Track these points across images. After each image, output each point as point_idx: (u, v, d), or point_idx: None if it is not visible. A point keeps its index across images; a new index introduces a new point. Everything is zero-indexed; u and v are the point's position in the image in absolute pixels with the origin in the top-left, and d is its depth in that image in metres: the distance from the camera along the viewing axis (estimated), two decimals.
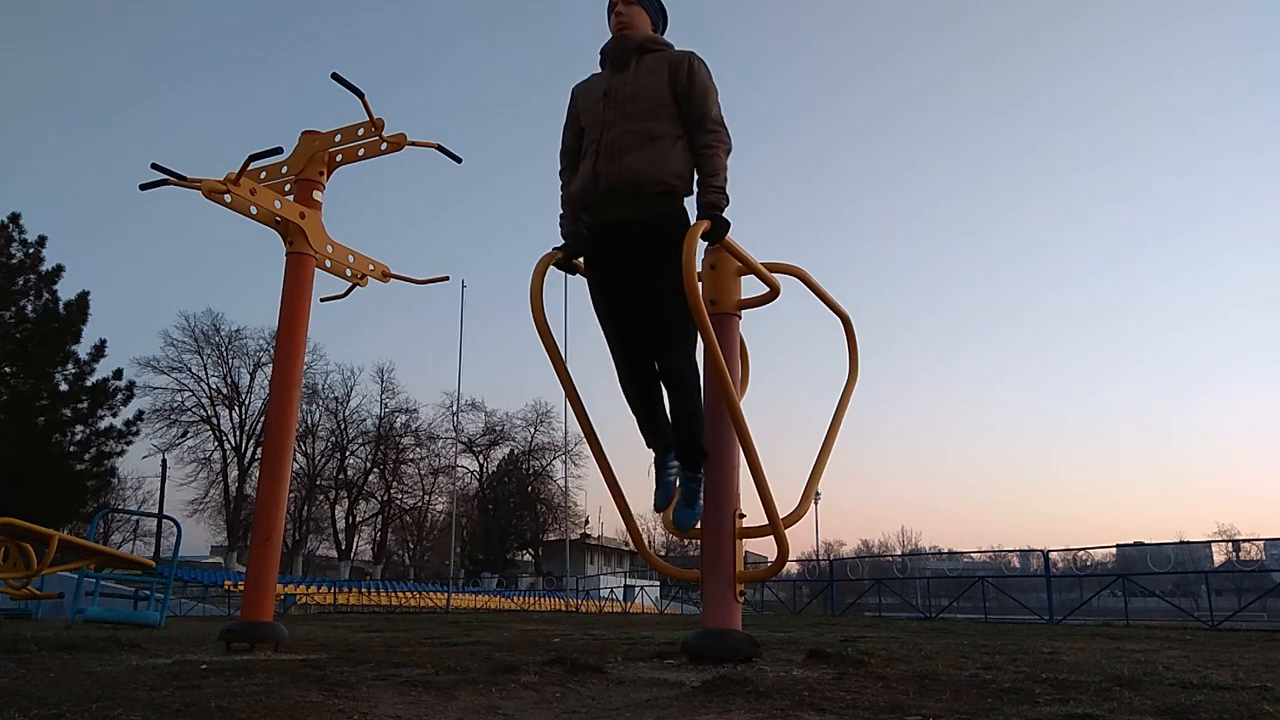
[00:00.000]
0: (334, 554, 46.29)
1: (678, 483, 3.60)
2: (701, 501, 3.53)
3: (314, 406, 43.34)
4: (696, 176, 3.42)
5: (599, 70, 3.65)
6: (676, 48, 3.54)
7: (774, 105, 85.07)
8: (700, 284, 3.68)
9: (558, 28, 78.63)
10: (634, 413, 3.59)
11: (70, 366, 19.70)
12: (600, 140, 3.39)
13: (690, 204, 3.47)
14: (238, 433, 42.03)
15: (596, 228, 3.47)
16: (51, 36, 62.38)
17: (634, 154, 3.30)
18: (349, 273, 5.62)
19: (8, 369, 19.01)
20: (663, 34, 3.63)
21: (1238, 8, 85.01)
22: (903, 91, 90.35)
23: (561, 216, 3.63)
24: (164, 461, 35.88)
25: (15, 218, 19.68)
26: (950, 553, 49.75)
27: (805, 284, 4.30)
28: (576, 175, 3.52)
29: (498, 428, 49.97)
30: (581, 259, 3.62)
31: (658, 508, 3.65)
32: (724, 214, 3.32)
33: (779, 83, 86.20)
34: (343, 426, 45.35)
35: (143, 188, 4.78)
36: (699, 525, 3.61)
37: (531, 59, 77.05)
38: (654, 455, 3.62)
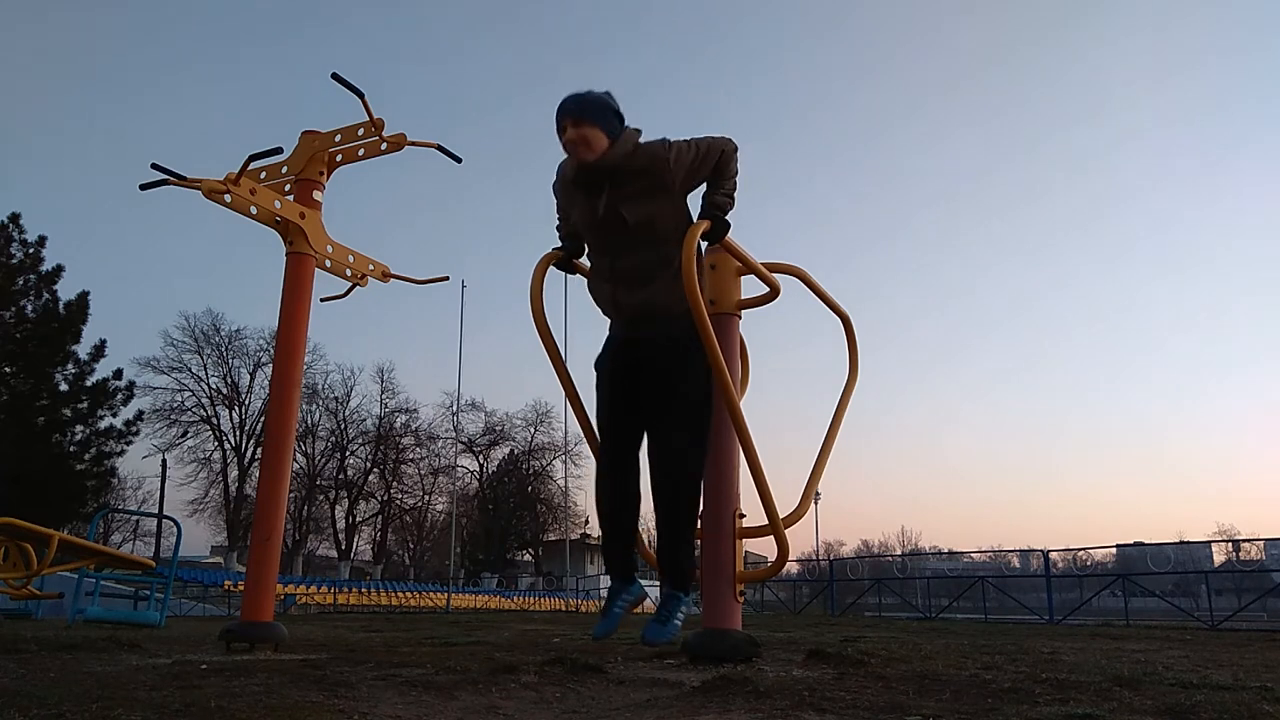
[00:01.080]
0: (334, 554, 46.31)
1: (627, 615, 3.32)
2: (678, 620, 3.18)
3: (314, 406, 43.40)
4: (706, 185, 3.34)
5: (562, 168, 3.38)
6: (634, 129, 3.21)
7: (774, 105, 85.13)
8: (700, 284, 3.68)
9: (558, 27, 78.69)
10: (604, 521, 3.30)
11: (70, 366, 19.71)
12: (612, 267, 3.24)
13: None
14: (238, 433, 42.10)
15: (618, 338, 3.36)
16: (51, 36, 62.44)
17: (654, 284, 3.19)
18: (349, 273, 5.63)
19: (8, 369, 19.01)
20: (621, 122, 3.23)
21: (1236, 7, 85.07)
22: (903, 90, 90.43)
23: (559, 222, 3.62)
24: (164, 461, 35.94)
25: (15, 218, 19.70)
26: (950, 553, 49.77)
27: (805, 284, 4.30)
28: (593, 295, 3.39)
29: (498, 428, 50.05)
30: (577, 259, 3.59)
31: (596, 636, 3.35)
32: (726, 216, 3.31)
33: (778, 82, 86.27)
34: (343, 426, 45.40)
35: (143, 188, 4.78)
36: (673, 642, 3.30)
37: (531, 59, 77.12)
38: (610, 582, 3.32)
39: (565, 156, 3.29)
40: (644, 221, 3.14)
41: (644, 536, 4.00)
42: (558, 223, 3.62)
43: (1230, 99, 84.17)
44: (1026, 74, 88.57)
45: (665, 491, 3.16)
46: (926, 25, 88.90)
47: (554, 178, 3.47)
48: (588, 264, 3.49)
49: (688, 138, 3.23)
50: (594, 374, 3.40)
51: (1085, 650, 4.73)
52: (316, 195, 5.17)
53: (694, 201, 3.43)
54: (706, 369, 3.19)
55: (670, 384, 3.20)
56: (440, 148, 5.37)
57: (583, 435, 3.67)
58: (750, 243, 3.86)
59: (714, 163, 3.23)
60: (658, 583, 3.31)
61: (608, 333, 3.44)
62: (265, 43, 68.90)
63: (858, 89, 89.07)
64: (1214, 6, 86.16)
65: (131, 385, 20.93)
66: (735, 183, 3.32)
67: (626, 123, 3.22)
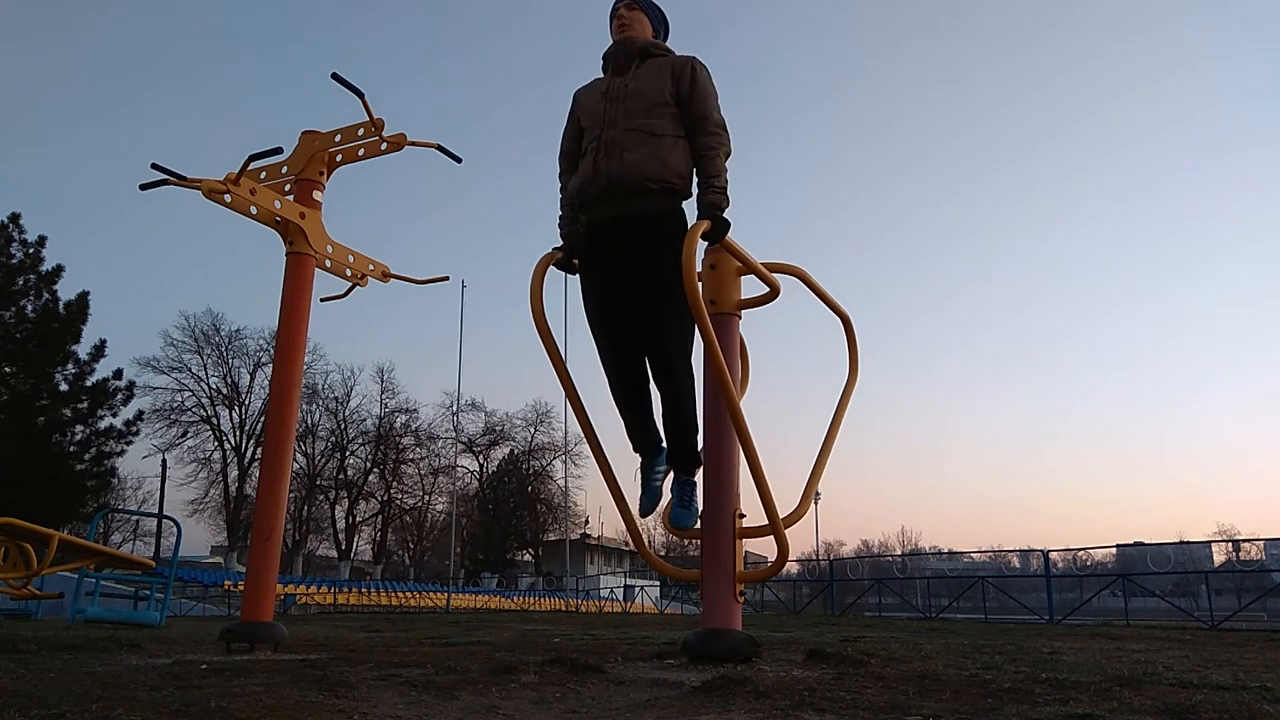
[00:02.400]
0: (334, 554, 46.29)
1: (665, 487, 3.59)
2: (699, 501, 3.51)
3: (314, 406, 43.39)
4: (697, 178, 3.42)
5: (600, 75, 3.68)
6: (678, 54, 3.57)
7: (773, 104, 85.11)
8: (700, 284, 3.68)
9: (558, 27, 78.69)
10: (622, 416, 3.56)
11: (70, 366, 19.68)
12: (601, 137, 3.40)
13: (690, 206, 3.47)
14: (238, 433, 42.08)
15: (594, 224, 3.47)
16: (51, 36, 62.42)
17: (635, 150, 3.32)
18: (349, 273, 5.63)
19: (8, 369, 18.99)
20: (665, 41, 3.67)
21: (1232, 7, 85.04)
22: (902, 90, 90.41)
23: (561, 217, 3.63)
24: (164, 461, 35.93)
25: (15, 218, 19.67)
26: (950, 553, 49.78)
27: (805, 284, 4.30)
28: (576, 174, 3.52)
29: (498, 428, 50.04)
30: (577, 259, 3.61)
31: (643, 513, 3.62)
32: (724, 214, 3.33)
33: (778, 82, 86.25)
34: (343, 426, 45.39)
35: (143, 188, 4.78)
36: (698, 524, 3.60)
37: (531, 58, 77.14)
38: (640, 459, 3.59)
39: (581, 85, 3.66)
40: (644, 91, 3.41)
41: (644, 537, 4.01)
42: (560, 220, 3.63)
43: (1225, 98, 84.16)
44: (1025, 73, 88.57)
45: (664, 382, 3.38)
46: (926, 23, 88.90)
47: (576, 93, 3.70)
48: (572, 181, 3.59)
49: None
50: (585, 317, 3.55)
51: (1085, 650, 4.72)
52: (316, 195, 5.17)
53: (691, 205, 3.46)
54: (679, 257, 3.25)
55: (651, 272, 3.29)
56: (440, 148, 5.37)
57: (583, 435, 3.68)
58: (750, 243, 3.86)
59: (702, 117, 3.39)
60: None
61: (585, 249, 3.53)
62: (265, 43, 68.98)
63: (857, 88, 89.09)
64: (1209, 5, 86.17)
65: (131, 385, 20.90)
66: (726, 179, 3.36)
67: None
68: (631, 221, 3.33)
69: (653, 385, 3.47)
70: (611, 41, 3.59)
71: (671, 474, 3.60)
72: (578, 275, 3.64)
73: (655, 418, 3.54)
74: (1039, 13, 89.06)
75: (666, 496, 3.66)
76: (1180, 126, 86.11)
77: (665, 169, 3.31)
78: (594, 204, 3.44)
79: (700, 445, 3.59)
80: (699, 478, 3.60)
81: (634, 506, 3.63)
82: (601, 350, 3.49)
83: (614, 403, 3.55)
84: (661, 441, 3.58)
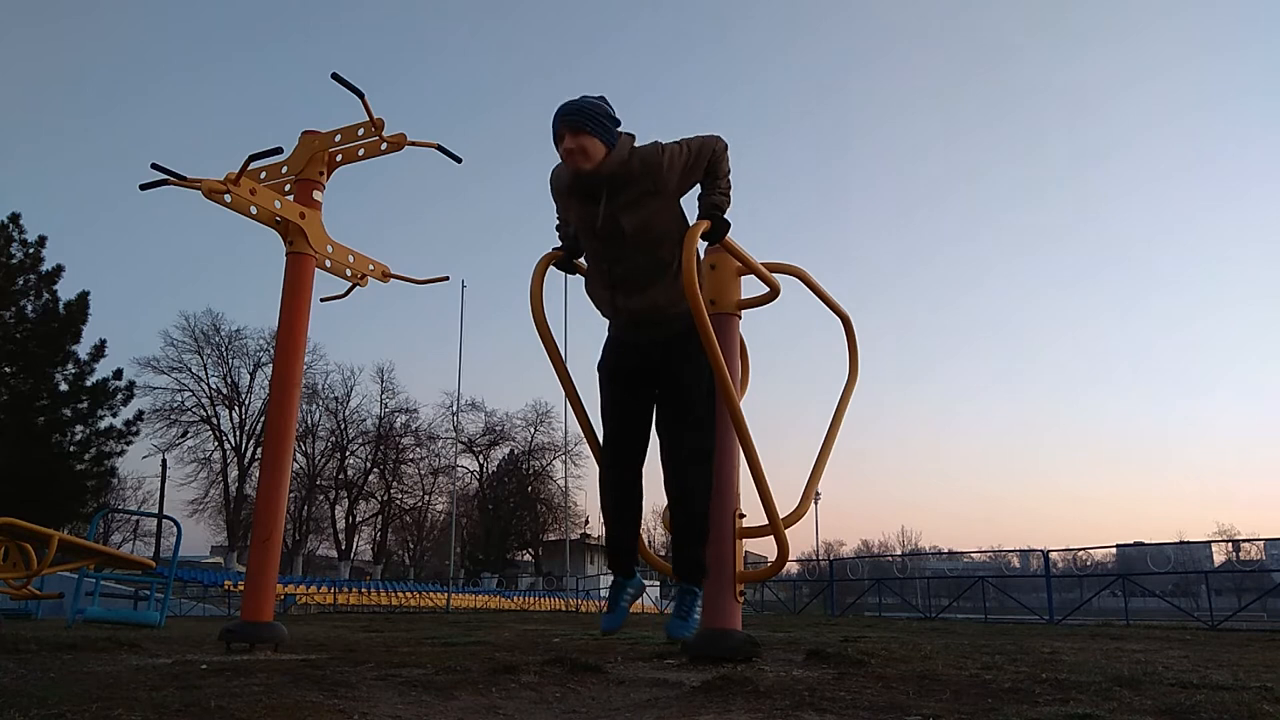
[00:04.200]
0: (334, 554, 46.29)
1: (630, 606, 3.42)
2: (697, 615, 3.30)
3: (314, 406, 43.41)
4: (701, 183, 3.37)
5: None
6: (628, 134, 3.23)
7: (773, 104, 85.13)
8: (700, 284, 3.67)
9: (558, 27, 78.68)
10: (609, 521, 3.37)
11: (70, 366, 19.67)
12: (611, 274, 3.27)
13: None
14: (238, 433, 42.11)
15: (619, 340, 3.39)
16: (51, 35, 62.42)
17: (653, 288, 3.23)
18: (349, 273, 5.63)
19: (8, 369, 18.98)
20: (619, 130, 3.24)
21: (1229, 5, 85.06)
22: (901, 92, 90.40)
23: (559, 222, 3.62)
24: (164, 461, 35.89)
25: (15, 218, 19.66)
26: (950, 553, 49.78)
27: (805, 284, 4.30)
28: (591, 294, 3.44)
29: (498, 428, 50.03)
30: (577, 259, 3.59)
31: (605, 630, 3.43)
32: (725, 216, 3.32)
33: (778, 81, 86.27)
34: (343, 426, 45.41)
35: (143, 188, 4.78)
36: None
37: (531, 58, 77.11)
38: (613, 577, 3.41)
39: (557, 165, 3.33)
40: (641, 228, 3.17)
41: (644, 538, 4.01)
42: (558, 222, 3.62)
43: (1221, 97, 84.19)
44: (1021, 76, 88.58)
45: (681, 491, 3.23)
46: (925, 24, 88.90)
47: (550, 179, 3.47)
48: (585, 281, 3.51)
49: (679, 139, 3.26)
50: (596, 375, 3.42)
51: (1085, 650, 4.73)
52: (316, 195, 5.17)
53: (689, 204, 3.44)
54: (705, 359, 3.22)
55: (676, 383, 3.24)
56: (440, 148, 5.37)
57: (583, 435, 3.67)
58: (750, 243, 3.86)
59: (706, 163, 3.27)
60: (658, 582, 3.34)
61: (608, 333, 3.46)
62: (265, 43, 68.94)
63: (857, 89, 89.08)
64: (1207, 4, 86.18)
65: (131, 385, 20.88)
66: (729, 181, 3.34)
67: (622, 126, 3.24)
68: (658, 344, 3.28)
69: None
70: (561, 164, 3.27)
71: (635, 597, 3.43)
72: (578, 274, 3.63)
73: (637, 539, 3.43)
74: (1043, 8, 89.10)
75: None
76: (1176, 123, 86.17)
77: (682, 295, 3.19)
78: (619, 330, 3.39)
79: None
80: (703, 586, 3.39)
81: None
82: (608, 440, 3.35)
83: (601, 501, 3.41)
84: (635, 565, 3.43)
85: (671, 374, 3.25)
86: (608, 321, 3.46)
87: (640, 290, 3.23)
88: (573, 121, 3.11)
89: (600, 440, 3.46)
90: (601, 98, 3.25)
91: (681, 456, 3.23)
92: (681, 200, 3.35)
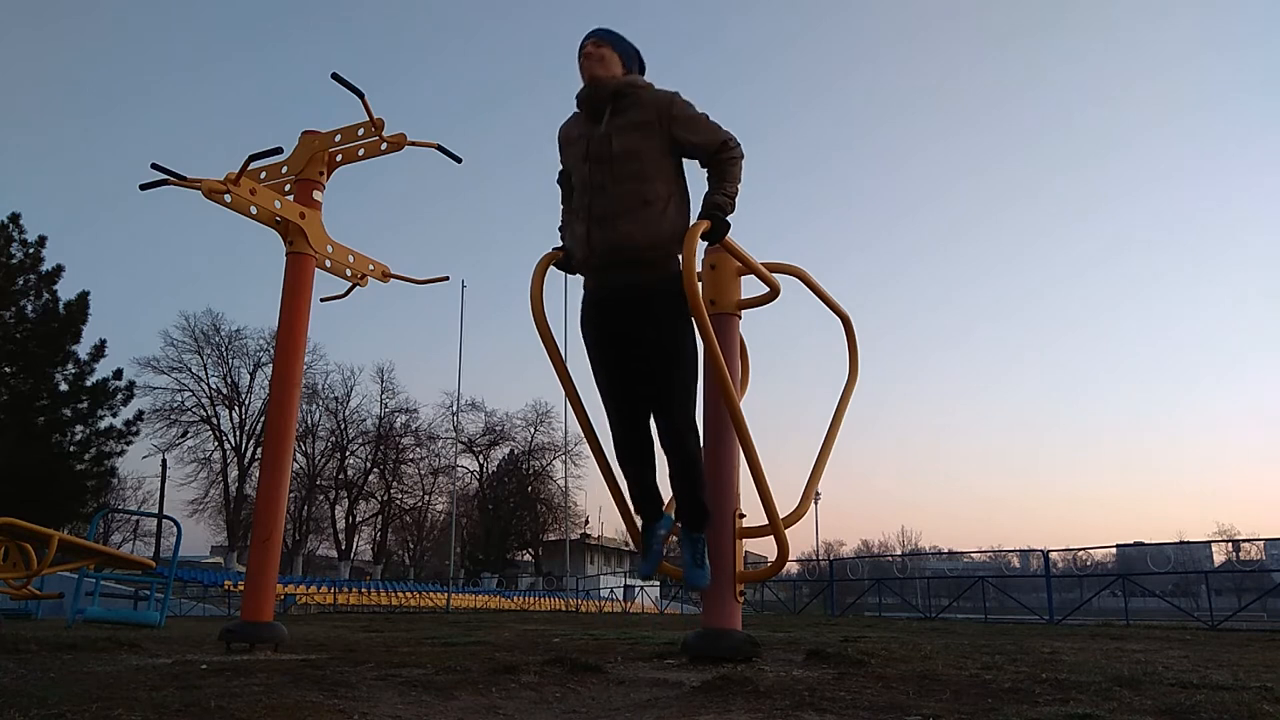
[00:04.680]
0: (334, 554, 46.28)
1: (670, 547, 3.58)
2: (708, 560, 3.45)
3: (314, 406, 43.40)
4: (708, 184, 3.36)
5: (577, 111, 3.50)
6: (656, 86, 3.37)
7: (773, 103, 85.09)
8: (700, 284, 3.68)
9: (558, 27, 78.64)
10: (627, 477, 3.50)
11: (70, 366, 19.66)
12: (591, 206, 3.28)
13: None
14: (238, 433, 42.11)
15: (594, 296, 3.42)
16: (52, 35, 62.41)
17: (629, 220, 3.21)
18: (349, 273, 5.62)
19: (8, 369, 18.98)
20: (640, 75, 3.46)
21: (1233, 4, 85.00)
22: (900, 90, 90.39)
23: (562, 224, 3.62)
24: (164, 461, 35.89)
25: (15, 218, 19.65)
26: (950, 553, 49.77)
27: (805, 284, 4.30)
28: (566, 233, 3.50)
29: (498, 428, 50.02)
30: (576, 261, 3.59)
31: (643, 575, 3.65)
32: (726, 217, 3.31)
33: (778, 81, 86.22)
34: (343, 426, 45.40)
35: (143, 188, 4.78)
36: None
37: (532, 58, 77.10)
38: (642, 523, 3.53)
39: (566, 119, 3.51)
40: (630, 153, 3.24)
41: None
42: (561, 223, 3.63)
43: (1224, 95, 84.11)
44: (1020, 72, 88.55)
45: (673, 445, 3.33)
46: (926, 19, 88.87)
47: (560, 128, 3.57)
48: (565, 233, 3.54)
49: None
50: (582, 341, 3.50)
51: (1085, 650, 4.72)
52: (316, 195, 5.17)
53: (696, 198, 3.44)
54: (683, 321, 3.27)
55: (655, 342, 3.27)
56: (440, 148, 5.36)
57: (583, 435, 3.68)
58: (750, 243, 3.86)
59: (713, 144, 3.31)
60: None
61: (584, 290, 3.49)
62: (265, 43, 68.95)
63: (856, 86, 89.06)
64: (1211, 3, 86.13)
65: (131, 385, 20.87)
66: (738, 187, 3.33)
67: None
68: (629, 293, 3.28)
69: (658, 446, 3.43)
70: (581, 83, 3.40)
71: (667, 535, 3.54)
72: (578, 274, 3.63)
73: (658, 480, 3.51)
74: (1042, 5, 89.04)
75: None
76: (1178, 120, 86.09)
77: (660, 236, 3.22)
78: (593, 273, 3.40)
79: (707, 495, 3.49)
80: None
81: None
82: (607, 406, 3.46)
83: (617, 462, 3.52)
84: (663, 505, 3.54)
85: (648, 326, 3.27)
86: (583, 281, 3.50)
87: (616, 223, 3.24)
88: (599, 35, 3.38)
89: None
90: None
91: (670, 411, 3.29)
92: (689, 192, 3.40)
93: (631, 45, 3.44)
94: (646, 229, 3.21)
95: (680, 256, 3.29)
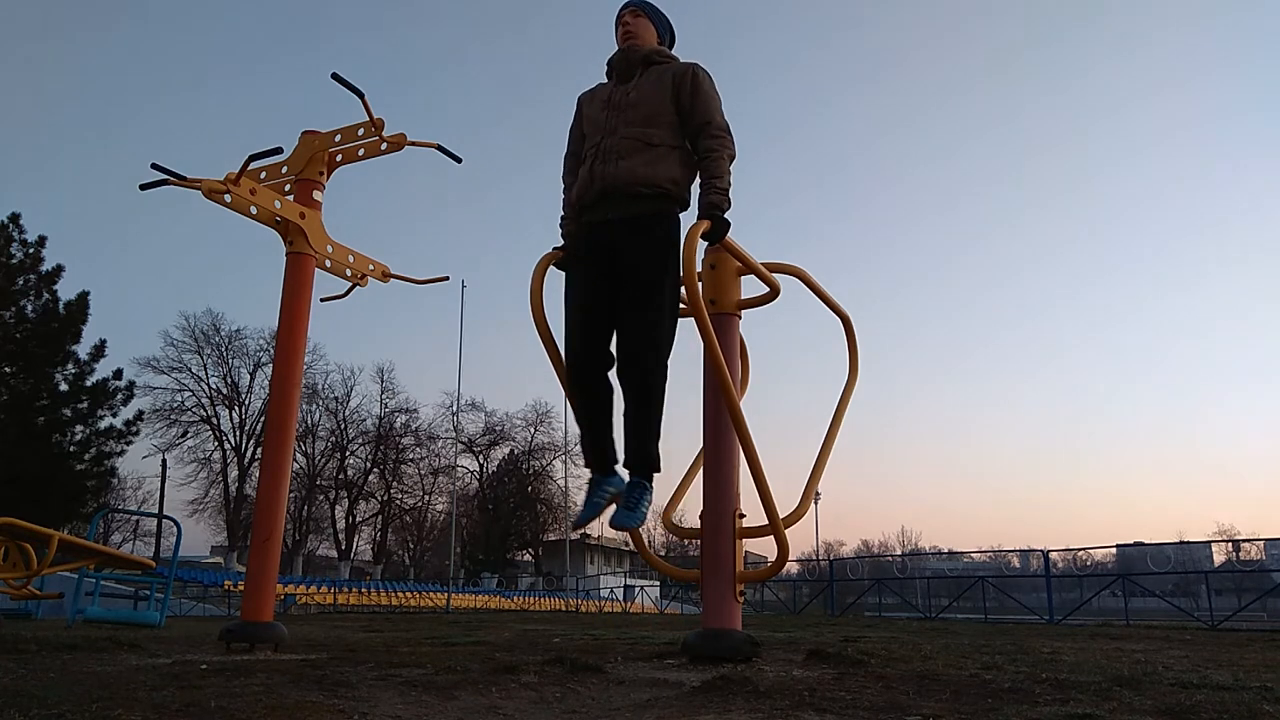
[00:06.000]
0: (334, 554, 46.29)
1: (606, 503, 3.39)
2: (644, 508, 3.30)
3: (314, 406, 43.40)
4: (698, 180, 3.43)
5: (604, 81, 3.71)
6: (682, 60, 3.59)
7: (780, 104, 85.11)
8: (700, 284, 3.68)
9: (558, 27, 78.66)
10: (579, 419, 3.41)
11: (70, 366, 19.67)
12: (600, 145, 3.44)
13: (686, 213, 3.48)
14: (238, 433, 42.10)
15: (589, 224, 3.47)
16: (52, 36, 62.41)
17: (631, 158, 3.35)
18: (349, 273, 5.62)
19: (8, 369, 18.98)
20: (670, 49, 3.70)
21: (1241, 15, 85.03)
22: (916, 91, 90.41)
23: (562, 218, 3.64)
24: (164, 461, 35.91)
25: (15, 218, 19.66)
26: (950, 553, 49.81)
27: (805, 284, 4.30)
28: (576, 181, 3.55)
29: (498, 428, 50.03)
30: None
31: (576, 525, 3.54)
32: (725, 215, 3.33)
33: (784, 82, 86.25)
34: (343, 426, 45.40)
35: (143, 188, 4.78)
36: (640, 526, 3.40)
37: (532, 59, 77.12)
38: (590, 474, 3.41)
39: (585, 90, 3.68)
40: (644, 100, 3.43)
41: (644, 537, 4.00)
42: (560, 220, 3.63)
43: (1238, 105, 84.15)
44: (1037, 78, 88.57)
45: (633, 379, 3.24)
46: (936, 27, 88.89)
47: (581, 95, 3.72)
48: (574, 184, 3.59)
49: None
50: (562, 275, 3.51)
51: (1085, 650, 4.72)
52: (316, 195, 5.17)
53: (687, 214, 3.47)
54: (672, 253, 3.30)
55: (636, 270, 3.28)
56: (440, 148, 5.36)
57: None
58: (751, 243, 3.87)
59: (701, 119, 3.40)
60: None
61: (576, 233, 3.53)
62: (265, 43, 68.94)
63: (868, 88, 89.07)
64: (1217, 13, 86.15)
65: (131, 385, 20.88)
66: (729, 181, 3.36)
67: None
68: (621, 226, 3.34)
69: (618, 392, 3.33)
70: (617, 48, 3.62)
71: (614, 495, 3.39)
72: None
73: (615, 432, 3.39)
74: (1054, 14, 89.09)
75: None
76: (1189, 134, 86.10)
77: (658, 174, 3.34)
78: (590, 208, 3.46)
79: (660, 450, 3.35)
80: (655, 483, 3.37)
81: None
82: (569, 341, 3.38)
83: (572, 406, 3.43)
84: (616, 461, 3.38)
85: (633, 255, 3.29)
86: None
87: (619, 158, 3.36)
88: (637, 5, 3.61)
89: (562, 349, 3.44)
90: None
91: (636, 341, 3.22)
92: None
93: (665, 17, 3.67)
94: (648, 167, 3.34)
95: (674, 197, 3.40)
